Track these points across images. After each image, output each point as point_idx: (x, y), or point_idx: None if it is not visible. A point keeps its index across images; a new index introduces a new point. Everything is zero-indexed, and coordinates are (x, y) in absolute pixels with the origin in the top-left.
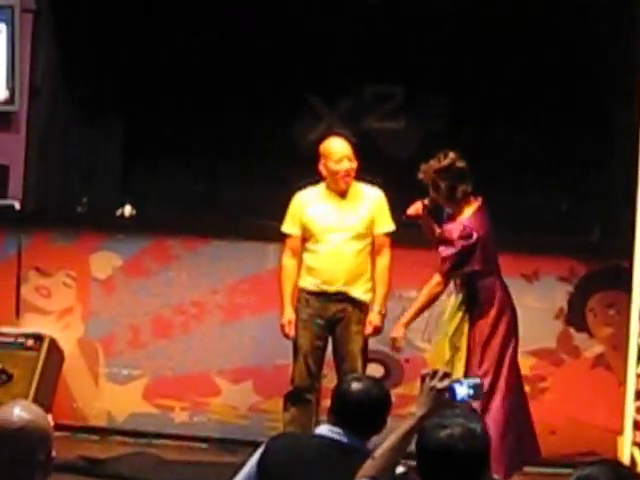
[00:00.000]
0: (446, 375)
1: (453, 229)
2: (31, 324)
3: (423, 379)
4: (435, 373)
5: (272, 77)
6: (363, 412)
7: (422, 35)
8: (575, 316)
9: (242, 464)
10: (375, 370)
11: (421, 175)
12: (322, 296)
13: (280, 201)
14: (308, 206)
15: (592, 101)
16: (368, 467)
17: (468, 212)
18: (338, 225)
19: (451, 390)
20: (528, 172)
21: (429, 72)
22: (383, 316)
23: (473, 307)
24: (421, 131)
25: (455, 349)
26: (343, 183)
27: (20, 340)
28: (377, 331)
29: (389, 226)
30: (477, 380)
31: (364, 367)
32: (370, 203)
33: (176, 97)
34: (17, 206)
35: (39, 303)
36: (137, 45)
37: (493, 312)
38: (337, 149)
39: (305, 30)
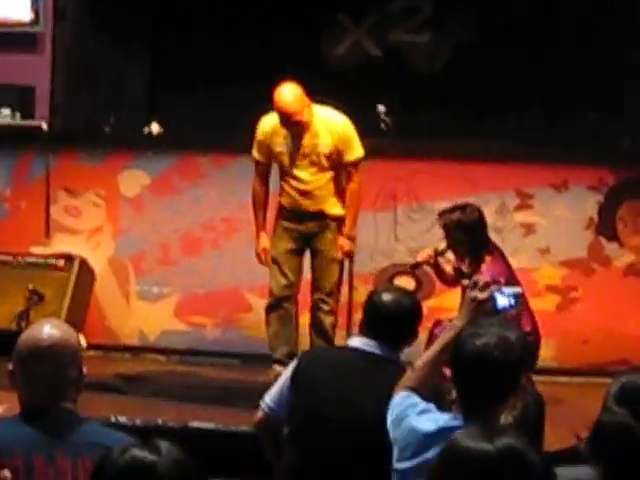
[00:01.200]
0: (487, 285)
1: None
2: (61, 244)
3: (465, 290)
4: (476, 283)
5: None
6: (394, 323)
7: None
8: (605, 225)
9: (275, 378)
10: (406, 283)
11: (442, 222)
12: (299, 213)
13: None
14: (271, 136)
15: (624, 7)
16: (408, 378)
17: (487, 261)
18: (303, 161)
19: (492, 300)
20: (557, 83)
21: None
22: (353, 239)
23: None
24: (448, 45)
25: None
26: (299, 129)
27: (51, 261)
28: (348, 255)
29: (356, 153)
30: (518, 289)
31: (340, 277)
32: (334, 134)
33: (204, 15)
34: (44, 127)
35: (69, 223)
36: None
37: None
38: (284, 110)
39: None
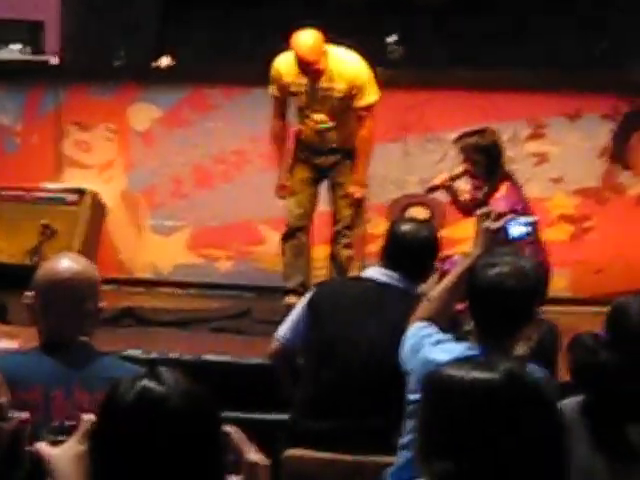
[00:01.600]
0: (501, 215)
1: (500, 207)
2: (72, 179)
3: (479, 220)
4: (489, 213)
5: None
6: (414, 254)
7: None
8: (619, 154)
9: (289, 309)
10: (419, 213)
11: (460, 146)
12: (317, 148)
13: None
14: (287, 77)
15: None
16: (423, 309)
17: (503, 189)
18: (315, 104)
19: (506, 229)
20: (570, 10)
21: None
22: (364, 186)
23: None
24: None
25: None
26: (316, 76)
27: (62, 195)
28: (357, 203)
29: (368, 99)
30: (532, 217)
31: (361, 211)
32: (348, 79)
33: None
34: (54, 61)
35: (80, 158)
36: None
37: None
38: (302, 57)
39: None
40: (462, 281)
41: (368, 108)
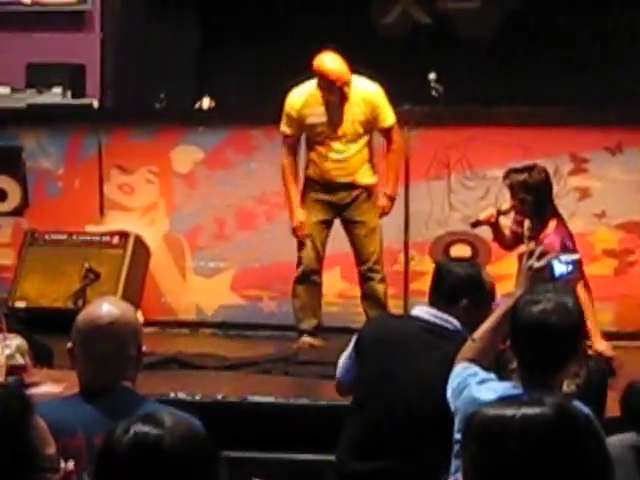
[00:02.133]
0: (543, 253)
1: (554, 242)
2: (116, 222)
3: (520, 259)
4: (532, 252)
5: None
6: (459, 291)
7: None
8: None
9: (332, 350)
10: (462, 251)
11: (508, 182)
12: (328, 184)
13: None
14: (302, 109)
15: None
16: (468, 349)
17: (552, 225)
18: (335, 131)
19: (550, 268)
20: (612, 43)
21: None
22: (392, 200)
23: None
24: (497, 10)
25: None
26: (341, 99)
27: (105, 238)
28: (384, 213)
29: (389, 120)
30: (575, 255)
31: (381, 242)
32: (366, 103)
33: None
34: (95, 104)
35: (122, 201)
36: None
37: None
38: (337, 76)
39: None
40: (505, 321)
41: (390, 129)
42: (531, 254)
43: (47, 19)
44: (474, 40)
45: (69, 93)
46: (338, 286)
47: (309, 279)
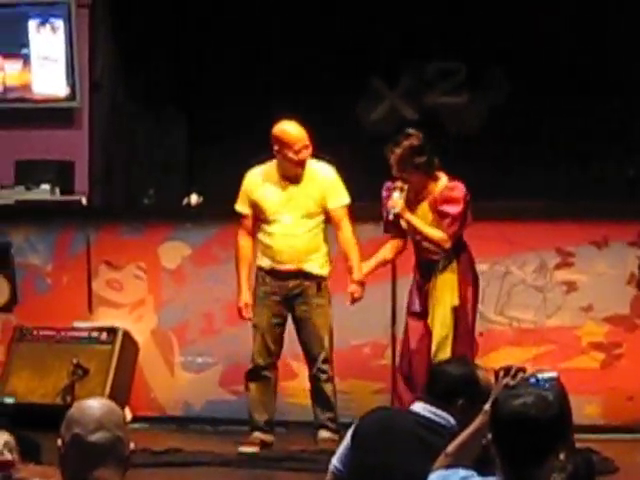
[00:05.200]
0: (519, 370)
1: (459, 186)
2: (104, 318)
3: (497, 376)
4: (508, 370)
5: (334, 60)
6: (454, 391)
7: (482, 11)
8: None
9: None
10: None
11: (398, 153)
12: (278, 273)
13: (348, 179)
14: (259, 186)
15: None
16: (440, 463)
17: (442, 176)
18: (288, 206)
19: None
20: (593, 139)
21: (489, 46)
22: (362, 284)
23: (459, 270)
24: (484, 105)
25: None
26: (300, 170)
27: (94, 334)
28: (355, 299)
29: (342, 199)
30: (553, 374)
31: (331, 340)
32: (320, 181)
33: (239, 84)
34: (84, 201)
35: (111, 296)
36: (196, 32)
37: (472, 274)
38: (298, 138)
39: (364, 11)
40: (478, 436)
41: (344, 208)
42: (507, 371)
43: (36, 116)
44: (460, 135)
45: (57, 190)
46: None
47: (259, 374)
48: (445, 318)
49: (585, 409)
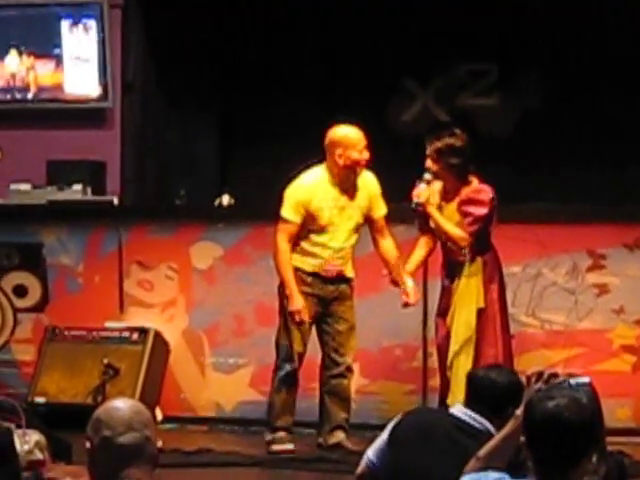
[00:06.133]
0: (552, 376)
1: (486, 190)
2: (135, 318)
3: (529, 380)
4: (541, 375)
5: (366, 61)
6: (492, 398)
7: (515, 11)
8: None
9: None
10: None
11: (437, 146)
12: (321, 277)
13: (380, 181)
14: (315, 198)
15: None
16: (472, 466)
17: (475, 179)
18: (341, 217)
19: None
20: (626, 141)
21: (523, 48)
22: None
23: (485, 272)
24: (517, 107)
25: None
26: (360, 171)
27: (125, 334)
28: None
29: (385, 208)
30: (585, 379)
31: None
32: (368, 190)
33: (272, 85)
34: (115, 201)
35: (142, 297)
36: (229, 33)
37: (498, 276)
38: (359, 138)
39: (396, 12)
40: (510, 440)
41: (384, 218)
42: (540, 376)
43: (68, 116)
44: (493, 137)
45: (89, 190)
46: (358, 382)
47: (293, 376)
48: (469, 320)
49: (616, 412)
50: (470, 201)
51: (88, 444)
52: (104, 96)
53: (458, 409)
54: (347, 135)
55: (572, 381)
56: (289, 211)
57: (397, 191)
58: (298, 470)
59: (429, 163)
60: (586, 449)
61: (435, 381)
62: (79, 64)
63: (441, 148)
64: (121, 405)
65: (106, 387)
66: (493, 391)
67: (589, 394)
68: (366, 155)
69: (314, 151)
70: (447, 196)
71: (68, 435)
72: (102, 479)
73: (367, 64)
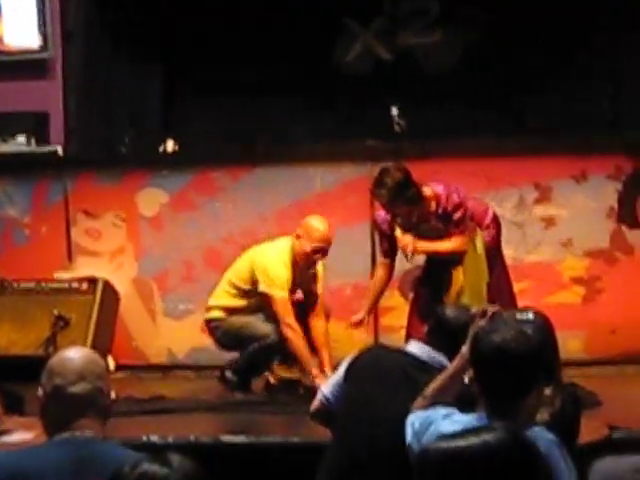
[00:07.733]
0: (496, 314)
1: (458, 190)
2: (84, 267)
3: (473, 318)
4: (485, 312)
5: (308, 3)
6: (453, 335)
7: None
8: (626, 214)
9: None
10: None
11: (383, 197)
12: None
13: (324, 122)
14: (293, 272)
15: None
16: (419, 404)
17: (429, 190)
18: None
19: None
20: (571, 72)
21: None
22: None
23: None
24: (458, 43)
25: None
26: (311, 267)
27: (74, 285)
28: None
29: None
30: (530, 315)
31: None
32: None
33: (215, 30)
34: (60, 151)
35: (90, 246)
36: None
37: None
38: (323, 239)
39: None
40: (455, 379)
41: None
42: (484, 314)
43: (9, 68)
44: (436, 74)
45: (33, 141)
46: None
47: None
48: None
49: (568, 344)
50: (447, 213)
51: (41, 391)
52: (44, 46)
53: (415, 346)
54: (317, 228)
55: (518, 316)
56: (284, 290)
57: (344, 127)
58: (252, 413)
59: (388, 210)
60: (534, 380)
61: (387, 320)
62: (18, 14)
63: (390, 194)
64: (75, 355)
65: (57, 338)
66: (452, 327)
67: (536, 326)
68: (317, 257)
69: (258, 96)
70: (419, 219)
71: (20, 387)
72: (53, 428)
73: (309, 6)
